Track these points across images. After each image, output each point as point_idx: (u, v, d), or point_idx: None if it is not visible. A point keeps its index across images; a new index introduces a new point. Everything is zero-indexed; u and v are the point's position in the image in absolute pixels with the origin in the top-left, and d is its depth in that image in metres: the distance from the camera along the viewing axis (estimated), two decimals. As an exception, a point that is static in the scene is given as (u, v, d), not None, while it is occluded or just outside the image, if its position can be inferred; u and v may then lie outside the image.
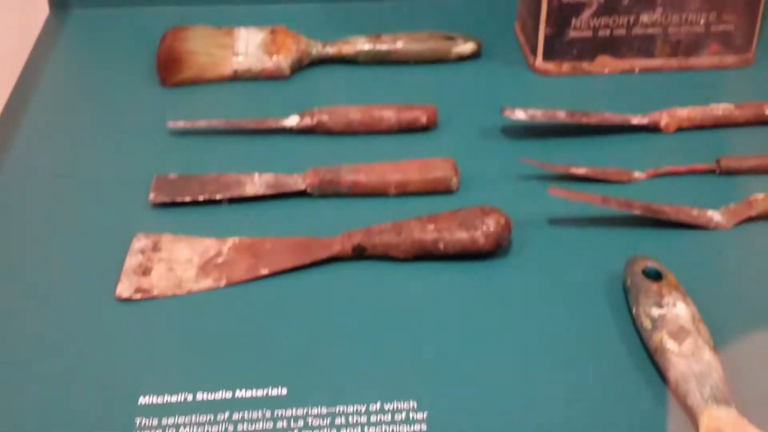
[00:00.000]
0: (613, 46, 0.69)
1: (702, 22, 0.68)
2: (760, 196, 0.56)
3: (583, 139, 0.64)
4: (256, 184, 0.58)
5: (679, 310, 0.47)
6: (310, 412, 0.44)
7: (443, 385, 0.46)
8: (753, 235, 0.56)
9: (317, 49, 0.71)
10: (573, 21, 0.68)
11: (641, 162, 0.61)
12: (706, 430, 0.42)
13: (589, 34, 0.68)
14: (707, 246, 0.55)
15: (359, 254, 0.53)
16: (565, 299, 0.51)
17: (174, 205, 0.57)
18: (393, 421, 0.44)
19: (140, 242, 0.54)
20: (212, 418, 0.44)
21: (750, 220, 0.56)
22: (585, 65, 0.70)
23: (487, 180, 0.60)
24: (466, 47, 0.72)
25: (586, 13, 0.67)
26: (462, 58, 0.72)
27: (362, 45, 0.71)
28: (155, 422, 0.44)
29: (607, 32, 0.68)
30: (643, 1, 0.67)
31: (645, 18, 0.68)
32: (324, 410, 0.44)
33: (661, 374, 0.46)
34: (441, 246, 0.52)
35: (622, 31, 0.68)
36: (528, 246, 0.55)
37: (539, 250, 0.54)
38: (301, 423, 0.44)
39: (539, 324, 0.50)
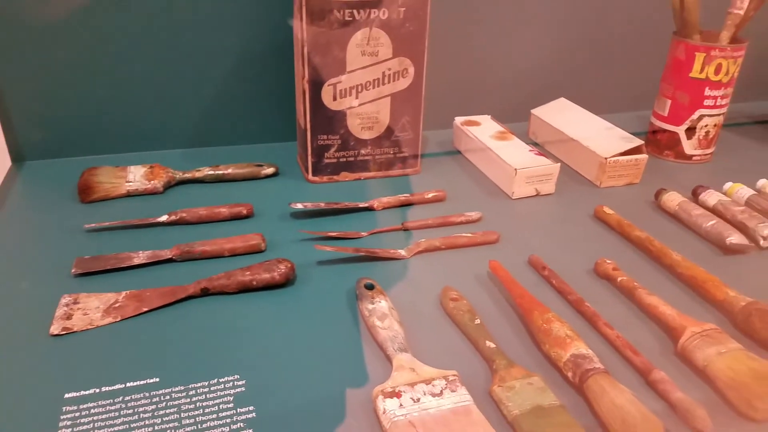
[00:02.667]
0: (348, 166, 0.73)
1: (392, 152, 0.74)
2: (423, 240, 0.61)
3: (335, 216, 0.66)
4: (140, 257, 0.57)
5: (382, 304, 0.50)
6: (173, 390, 0.43)
7: (255, 365, 0.46)
8: (420, 261, 0.59)
9: (179, 175, 0.70)
10: (326, 154, 0.71)
11: (364, 226, 0.64)
12: (396, 367, 0.44)
13: (335, 160, 0.72)
14: (399, 268, 0.58)
15: (205, 293, 0.53)
16: (327, 306, 0.52)
17: (88, 274, 0.55)
18: (225, 388, 0.44)
19: (65, 299, 0.51)
20: (112, 401, 0.42)
21: (419, 253, 0.60)
22: (335, 177, 0.73)
23: (282, 243, 0.60)
24: (270, 170, 0.73)
25: (332, 150, 0.71)
26: (268, 177, 0.73)
27: (207, 171, 0.71)
28: (75, 407, 0.42)
29: (344, 159, 0.72)
30: (361, 143, 0.71)
31: (363, 151, 0.72)
32: (182, 388, 0.44)
33: (374, 338, 0.48)
34: (255, 283, 0.53)
35: (352, 158, 0.72)
36: (306, 279, 0.55)
37: (312, 281, 0.55)
38: (168, 397, 0.43)
39: (314, 321, 0.50)
